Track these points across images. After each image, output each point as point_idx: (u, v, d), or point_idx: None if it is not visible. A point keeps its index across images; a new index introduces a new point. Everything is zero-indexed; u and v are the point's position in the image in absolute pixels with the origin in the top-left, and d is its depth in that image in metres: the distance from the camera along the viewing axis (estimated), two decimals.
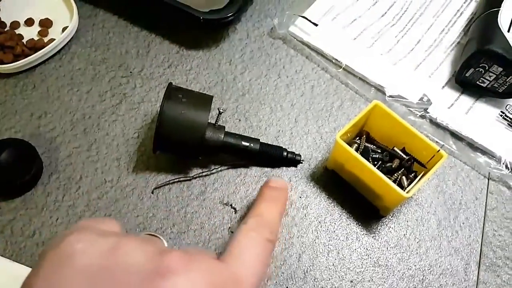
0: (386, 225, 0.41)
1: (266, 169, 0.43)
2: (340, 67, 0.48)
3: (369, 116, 0.40)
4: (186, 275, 0.21)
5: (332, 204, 0.41)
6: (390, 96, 0.45)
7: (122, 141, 0.43)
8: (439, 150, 0.36)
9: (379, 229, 0.40)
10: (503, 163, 0.43)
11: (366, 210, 0.41)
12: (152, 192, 0.41)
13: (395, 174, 0.39)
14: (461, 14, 0.52)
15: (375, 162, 0.40)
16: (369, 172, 0.36)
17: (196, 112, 0.38)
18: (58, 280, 0.21)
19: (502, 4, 0.44)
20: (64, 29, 0.48)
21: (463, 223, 0.41)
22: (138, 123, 0.44)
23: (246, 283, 0.24)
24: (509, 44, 0.41)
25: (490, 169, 0.43)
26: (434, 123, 0.45)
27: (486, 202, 0.42)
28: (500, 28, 0.42)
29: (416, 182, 0.36)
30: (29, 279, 0.21)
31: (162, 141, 0.38)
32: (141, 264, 0.21)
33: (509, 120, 0.44)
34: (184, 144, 0.38)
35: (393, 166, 0.39)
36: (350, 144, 0.41)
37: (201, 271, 0.22)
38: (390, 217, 0.41)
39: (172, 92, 0.38)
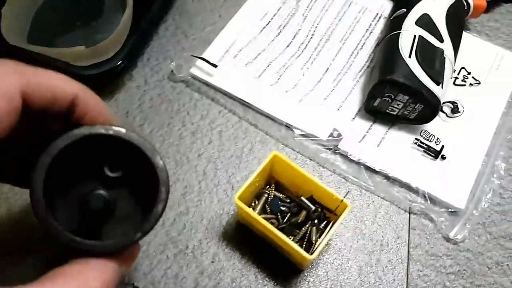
0: (305, 280, 0.37)
1: (172, 234, 0.39)
2: (248, 107, 0.44)
3: (272, 165, 0.37)
4: None
5: (247, 264, 0.38)
6: (299, 135, 0.43)
7: None
8: (342, 200, 0.33)
9: (299, 285, 0.37)
10: (422, 194, 0.40)
11: (283, 265, 0.38)
12: None
13: (303, 228, 0.36)
14: (370, 33, 0.49)
15: (284, 215, 0.37)
16: (273, 234, 0.33)
17: None
18: None
19: (402, 26, 0.42)
20: None
21: (386, 267, 0.38)
22: None
23: None
24: (411, 71, 0.39)
25: (410, 203, 0.40)
26: (347, 158, 0.42)
27: (408, 240, 0.40)
28: (401, 54, 0.40)
29: (323, 239, 0.33)
30: None
31: None
32: None
33: (425, 146, 0.42)
34: None
35: (299, 221, 0.36)
36: (260, 194, 0.38)
37: None
38: (309, 270, 0.38)
39: None
